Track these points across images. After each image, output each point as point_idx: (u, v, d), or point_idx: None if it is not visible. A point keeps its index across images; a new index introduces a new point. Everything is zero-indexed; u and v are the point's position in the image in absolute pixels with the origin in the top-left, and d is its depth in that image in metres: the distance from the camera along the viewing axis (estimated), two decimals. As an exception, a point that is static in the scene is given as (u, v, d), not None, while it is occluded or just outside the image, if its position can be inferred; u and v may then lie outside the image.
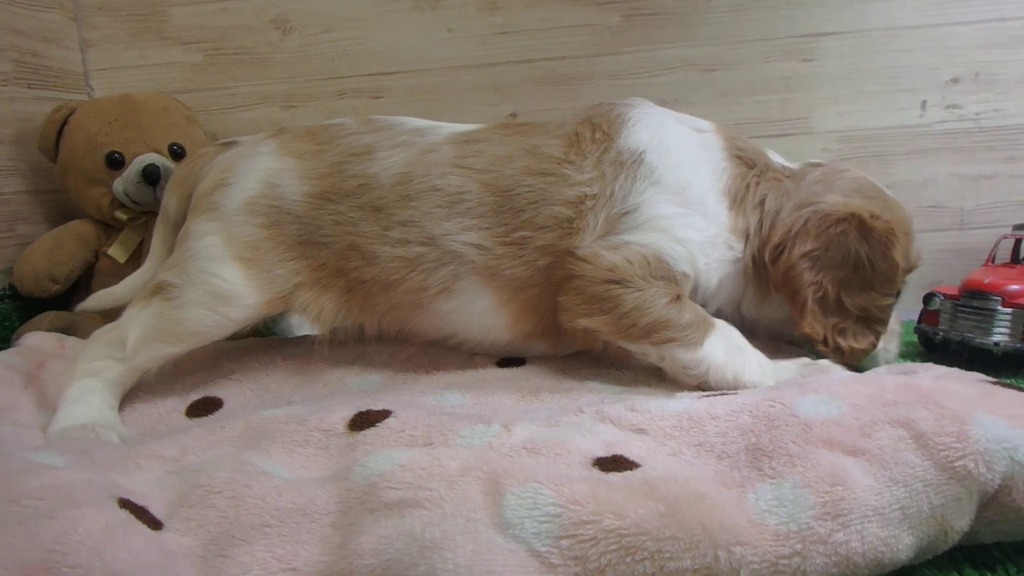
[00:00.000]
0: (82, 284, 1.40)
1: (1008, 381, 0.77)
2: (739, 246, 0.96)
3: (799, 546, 0.55)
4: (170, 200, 1.05)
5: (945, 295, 1.14)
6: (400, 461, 0.62)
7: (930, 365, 0.86)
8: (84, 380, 0.90)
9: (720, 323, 0.91)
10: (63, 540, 0.51)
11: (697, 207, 0.93)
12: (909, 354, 1.15)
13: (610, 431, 0.72)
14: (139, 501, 0.61)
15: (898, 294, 0.97)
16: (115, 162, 1.34)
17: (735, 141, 1.00)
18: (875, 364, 0.97)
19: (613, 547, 0.54)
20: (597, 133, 0.97)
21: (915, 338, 1.17)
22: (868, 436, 0.63)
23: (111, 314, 1.28)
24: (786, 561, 0.54)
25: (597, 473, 0.63)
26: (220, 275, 0.92)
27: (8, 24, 1.38)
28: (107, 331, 0.94)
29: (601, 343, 0.95)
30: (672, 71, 1.47)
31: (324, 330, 0.96)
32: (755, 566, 0.54)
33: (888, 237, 0.91)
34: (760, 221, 0.96)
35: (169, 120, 1.40)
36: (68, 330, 1.26)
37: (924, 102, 1.45)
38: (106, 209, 1.36)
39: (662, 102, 1.06)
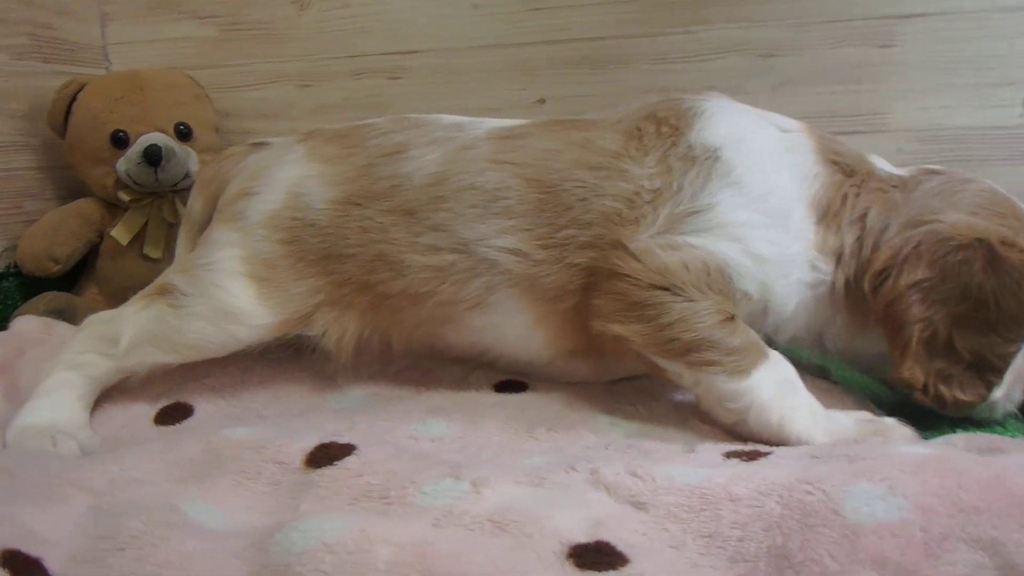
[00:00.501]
0: (88, 264, 1.38)
1: None
2: (826, 267, 0.84)
3: None
4: (195, 202, 1.00)
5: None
6: (328, 537, 0.53)
7: (1017, 442, 0.71)
8: (64, 373, 0.86)
9: (775, 355, 0.80)
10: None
11: (779, 218, 0.82)
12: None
13: (602, 502, 0.61)
14: (35, 551, 0.55)
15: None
16: (120, 141, 1.30)
17: (830, 143, 0.88)
18: (992, 414, 0.83)
19: None
20: (663, 127, 0.87)
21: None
22: (935, 558, 0.50)
23: (113, 297, 1.26)
24: None
25: (570, 572, 0.53)
26: (232, 291, 0.86)
27: (24, -3, 1.34)
28: (102, 321, 0.89)
29: (633, 356, 0.84)
30: (723, 55, 1.31)
31: (345, 356, 0.90)
32: None
33: (1022, 271, 0.77)
34: (859, 240, 0.84)
35: (176, 98, 1.35)
36: (64, 311, 1.23)
37: (1026, 98, 1.26)
38: (110, 189, 1.33)
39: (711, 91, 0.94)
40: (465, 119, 0.93)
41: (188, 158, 1.33)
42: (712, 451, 0.71)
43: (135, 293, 0.91)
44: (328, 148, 0.92)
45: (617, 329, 0.79)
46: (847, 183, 0.85)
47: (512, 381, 0.93)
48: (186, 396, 0.91)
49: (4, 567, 0.52)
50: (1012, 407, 0.84)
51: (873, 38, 1.27)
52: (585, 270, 0.83)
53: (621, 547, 0.54)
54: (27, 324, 1.13)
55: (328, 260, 0.88)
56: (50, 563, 0.54)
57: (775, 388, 0.77)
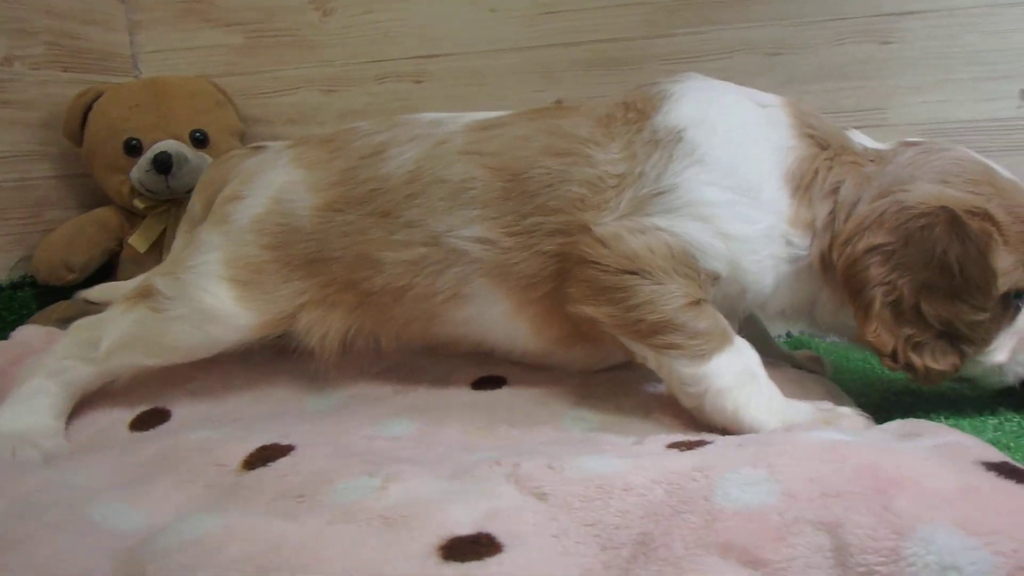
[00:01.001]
0: (107, 273, 1.38)
1: (1021, 467, 0.58)
2: (802, 242, 0.82)
3: None
4: (196, 203, 1.01)
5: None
6: (189, 536, 0.54)
7: (940, 428, 0.69)
8: (40, 380, 0.86)
9: (741, 343, 0.78)
10: None
11: (749, 192, 0.79)
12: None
13: (508, 494, 0.60)
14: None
15: (1012, 305, 0.80)
16: (133, 148, 1.31)
17: (807, 117, 0.85)
18: (1002, 379, 0.82)
19: None
20: (630, 113, 0.85)
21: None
22: (781, 541, 0.50)
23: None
24: None
25: (432, 566, 0.52)
26: (214, 293, 0.86)
27: (41, 6, 1.35)
28: (87, 326, 0.89)
29: (610, 339, 0.83)
30: (731, 55, 1.31)
31: (329, 355, 0.89)
32: None
33: (985, 239, 0.75)
34: (832, 213, 0.81)
35: (195, 105, 1.36)
36: None
37: (1023, 91, 1.27)
38: (126, 197, 1.34)
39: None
40: (446, 115, 0.92)
41: (203, 164, 1.33)
42: (657, 443, 0.69)
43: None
44: (313, 153, 0.92)
45: (588, 311, 0.79)
46: (821, 156, 0.83)
47: (491, 377, 0.92)
48: (165, 401, 0.90)
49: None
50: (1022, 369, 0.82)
51: (873, 35, 1.28)
52: (556, 256, 0.82)
53: (502, 538, 0.54)
54: (28, 333, 1.12)
55: (313, 263, 0.87)
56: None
57: (734, 375, 0.76)
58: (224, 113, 1.40)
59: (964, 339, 0.78)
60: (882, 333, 0.78)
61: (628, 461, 0.61)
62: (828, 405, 0.78)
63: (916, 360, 0.78)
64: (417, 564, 0.52)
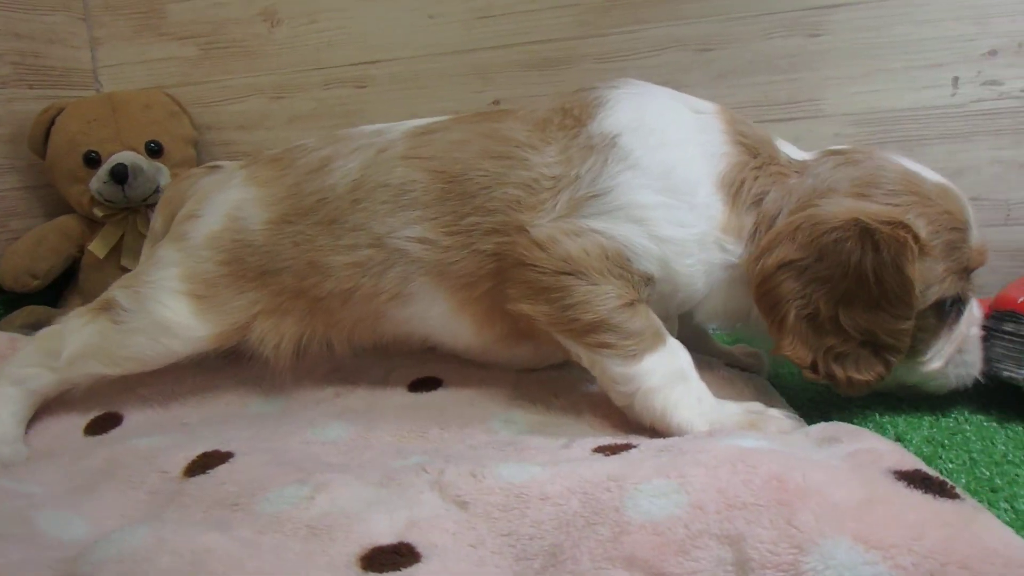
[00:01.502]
0: (69, 278, 1.44)
1: (934, 475, 0.57)
2: (736, 248, 0.82)
3: None
4: (157, 220, 1.04)
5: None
6: (124, 548, 0.55)
7: (861, 432, 0.68)
8: (4, 387, 0.90)
9: (673, 344, 0.80)
10: None
11: (682, 196, 0.80)
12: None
13: (430, 503, 0.62)
14: None
15: (949, 313, 0.80)
16: (92, 161, 1.37)
17: (739, 125, 0.86)
18: (944, 384, 0.83)
19: None
20: (567, 119, 0.87)
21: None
22: (685, 555, 0.50)
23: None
24: None
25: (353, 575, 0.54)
26: (171, 307, 0.90)
27: (8, 29, 1.42)
28: (50, 336, 0.93)
29: (546, 337, 0.85)
30: (663, 52, 1.34)
31: (283, 361, 0.92)
32: None
33: (899, 249, 0.74)
34: (756, 225, 0.82)
35: (150, 117, 1.42)
36: (41, 325, 1.25)
37: (956, 78, 1.26)
38: (86, 206, 1.39)
39: (653, 85, 0.95)
40: (388, 124, 0.95)
41: (158, 173, 1.40)
42: (583, 447, 0.71)
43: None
44: (264, 171, 0.95)
45: (526, 309, 0.80)
46: (750, 164, 0.83)
47: (427, 379, 0.95)
48: (117, 406, 0.94)
49: None
50: (972, 373, 0.83)
51: (802, 28, 1.28)
52: (493, 256, 0.84)
53: (421, 547, 0.56)
54: (-8, 340, 1.15)
55: (265, 275, 0.90)
56: None
57: (664, 376, 0.78)
58: (178, 123, 1.46)
59: (888, 348, 0.77)
60: (798, 347, 0.77)
61: (547, 470, 0.62)
62: (758, 407, 0.79)
63: (838, 371, 0.77)
64: (338, 574, 0.54)
